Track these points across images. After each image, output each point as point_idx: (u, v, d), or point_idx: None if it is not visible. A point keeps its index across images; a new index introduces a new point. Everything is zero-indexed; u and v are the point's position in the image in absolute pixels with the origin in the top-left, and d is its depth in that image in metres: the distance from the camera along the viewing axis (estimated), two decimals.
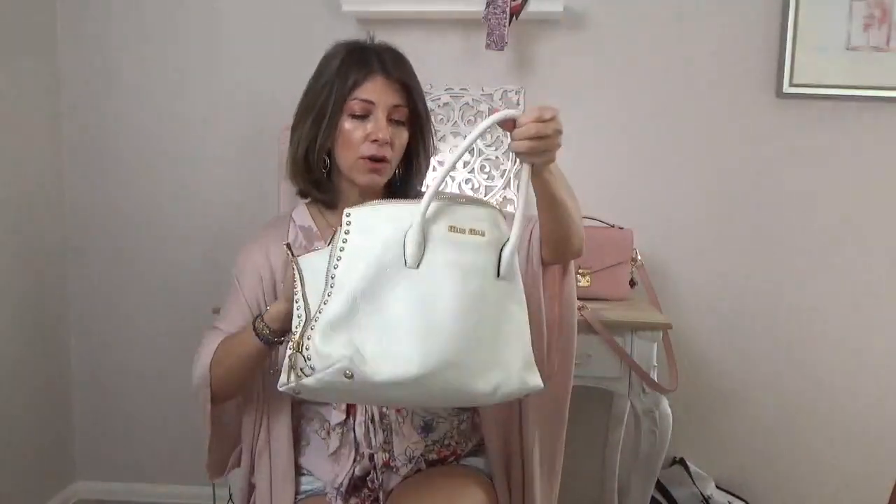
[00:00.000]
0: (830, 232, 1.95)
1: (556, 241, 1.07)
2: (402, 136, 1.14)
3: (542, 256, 1.10)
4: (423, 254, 0.86)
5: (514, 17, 1.83)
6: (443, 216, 0.88)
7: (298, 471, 1.18)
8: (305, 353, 0.85)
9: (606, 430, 2.00)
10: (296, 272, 0.92)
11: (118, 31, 2.05)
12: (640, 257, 1.80)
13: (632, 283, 1.80)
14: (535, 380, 0.93)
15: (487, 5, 1.83)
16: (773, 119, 1.93)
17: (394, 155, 1.13)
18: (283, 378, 0.87)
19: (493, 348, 0.89)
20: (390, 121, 1.11)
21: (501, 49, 1.84)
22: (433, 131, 1.21)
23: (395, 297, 0.85)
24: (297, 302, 0.91)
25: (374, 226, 0.87)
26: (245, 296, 1.14)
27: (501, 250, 0.92)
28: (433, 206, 0.88)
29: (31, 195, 2.00)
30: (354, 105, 1.10)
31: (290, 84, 1.97)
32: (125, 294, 2.14)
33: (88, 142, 2.10)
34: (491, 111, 1.13)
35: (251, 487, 1.21)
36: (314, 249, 1.05)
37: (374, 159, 1.10)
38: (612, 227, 1.80)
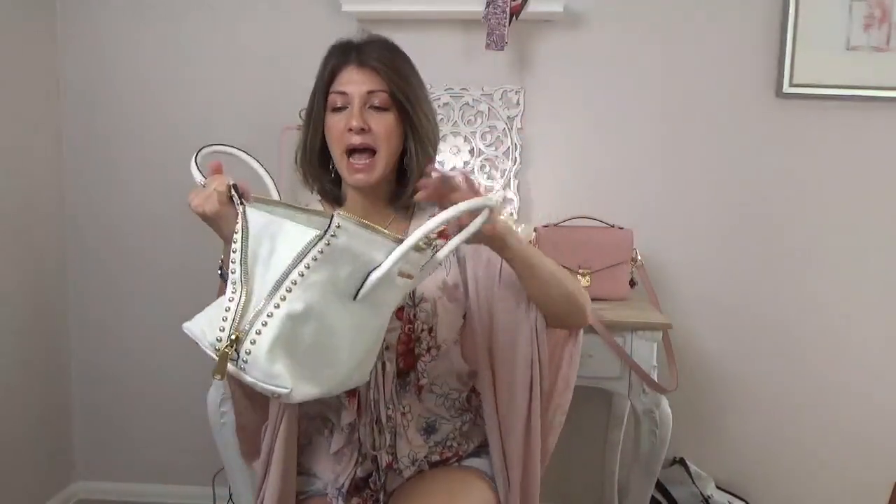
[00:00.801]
0: (830, 232, 1.95)
1: (554, 316, 1.11)
2: (385, 120, 1.11)
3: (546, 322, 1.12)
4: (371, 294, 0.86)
5: (514, 17, 1.83)
6: (401, 261, 0.86)
7: (299, 470, 1.17)
8: (245, 355, 0.80)
9: (606, 430, 2.00)
10: (240, 221, 0.88)
11: (118, 31, 2.05)
12: (640, 257, 1.80)
13: (632, 283, 1.80)
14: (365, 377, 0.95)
15: (487, 5, 1.83)
16: (773, 119, 1.93)
17: (380, 142, 1.11)
18: (216, 367, 0.81)
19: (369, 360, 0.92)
20: (372, 108, 1.11)
21: (501, 49, 1.84)
22: (426, 115, 1.15)
23: (335, 327, 0.83)
24: (233, 262, 0.86)
25: (354, 249, 0.83)
26: None
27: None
28: (409, 253, 0.85)
29: (32, 196, 2.00)
30: (333, 98, 1.11)
31: (290, 84, 1.99)
32: (125, 294, 2.14)
33: (88, 143, 2.10)
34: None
35: (262, 480, 1.17)
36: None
37: (355, 151, 1.10)
38: (612, 227, 1.80)
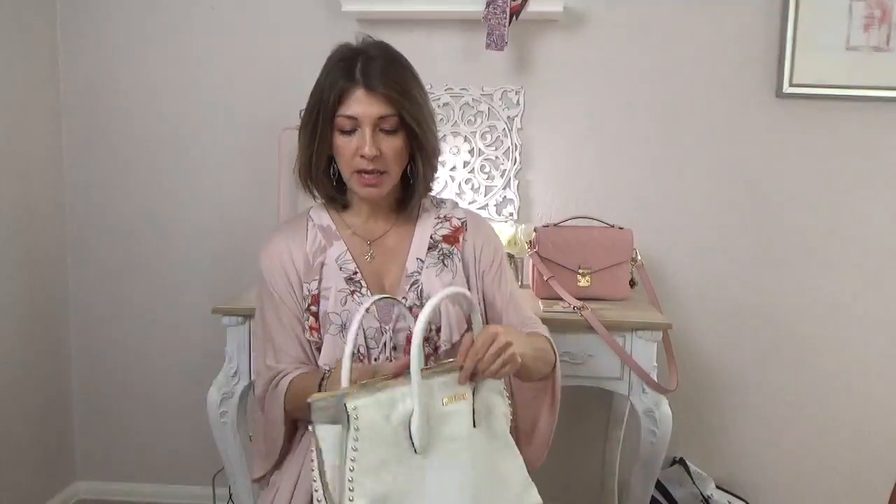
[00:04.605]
0: (830, 231, 1.95)
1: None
2: (395, 143, 1.11)
3: None
4: (430, 437, 0.89)
5: (514, 17, 1.83)
6: (437, 390, 0.91)
7: None
8: None
9: (606, 430, 2.00)
10: (314, 446, 0.89)
11: (118, 31, 2.05)
12: (640, 257, 1.80)
13: (632, 283, 1.80)
14: (534, 496, 0.99)
15: (487, 5, 1.83)
16: (772, 119, 1.93)
17: (390, 164, 1.12)
18: None
19: (498, 491, 0.95)
20: (381, 131, 1.10)
21: (501, 49, 1.84)
22: (432, 131, 1.17)
23: (416, 493, 0.88)
24: (315, 481, 0.88)
25: (380, 420, 0.87)
26: (288, 309, 1.16)
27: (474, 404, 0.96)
28: (425, 383, 0.89)
29: (32, 196, 2.00)
30: (341, 122, 1.10)
31: (290, 84, 1.99)
32: (125, 295, 2.14)
33: (88, 143, 2.10)
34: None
35: (273, 484, 1.19)
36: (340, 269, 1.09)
37: (366, 173, 1.11)
38: (612, 227, 1.79)
